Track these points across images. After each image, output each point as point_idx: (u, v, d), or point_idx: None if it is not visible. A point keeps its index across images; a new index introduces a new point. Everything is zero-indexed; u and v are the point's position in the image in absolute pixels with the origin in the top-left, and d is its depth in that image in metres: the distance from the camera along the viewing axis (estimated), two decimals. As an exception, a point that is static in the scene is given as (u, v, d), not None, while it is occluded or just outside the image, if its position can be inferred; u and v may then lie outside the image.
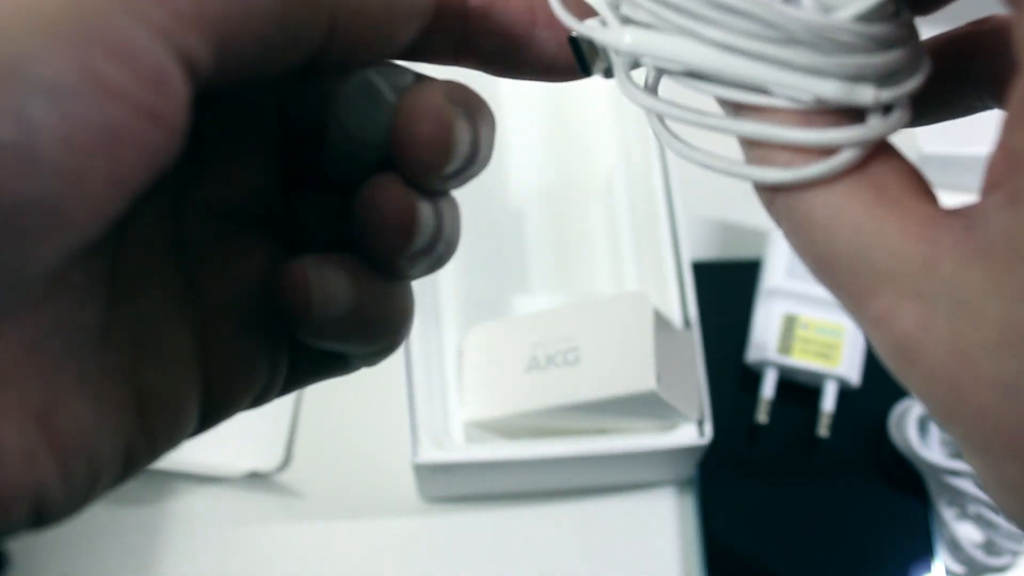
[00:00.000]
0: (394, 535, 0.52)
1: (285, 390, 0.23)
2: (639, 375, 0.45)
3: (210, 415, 0.22)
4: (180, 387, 0.21)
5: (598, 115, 0.62)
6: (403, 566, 0.52)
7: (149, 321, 0.21)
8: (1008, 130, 0.17)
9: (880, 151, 0.18)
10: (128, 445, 0.20)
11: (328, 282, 0.21)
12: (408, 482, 0.50)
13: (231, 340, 0.22)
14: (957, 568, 0.51)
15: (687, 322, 0.50)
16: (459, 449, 0.49)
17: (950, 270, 0.17)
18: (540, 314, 0.51)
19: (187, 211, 0.22)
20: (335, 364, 0.24)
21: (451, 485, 0.51)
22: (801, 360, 0.52)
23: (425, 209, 0.21)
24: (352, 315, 0.22)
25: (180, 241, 0.22)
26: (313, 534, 0.52)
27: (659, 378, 0.45)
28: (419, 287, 0.50)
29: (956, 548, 0.51)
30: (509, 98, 0.61)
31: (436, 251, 0.22)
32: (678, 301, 0.50)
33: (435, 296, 0.53)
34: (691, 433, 0.48)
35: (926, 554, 0.51)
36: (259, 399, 0.23)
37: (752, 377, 0.53)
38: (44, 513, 0.18)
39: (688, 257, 0.50)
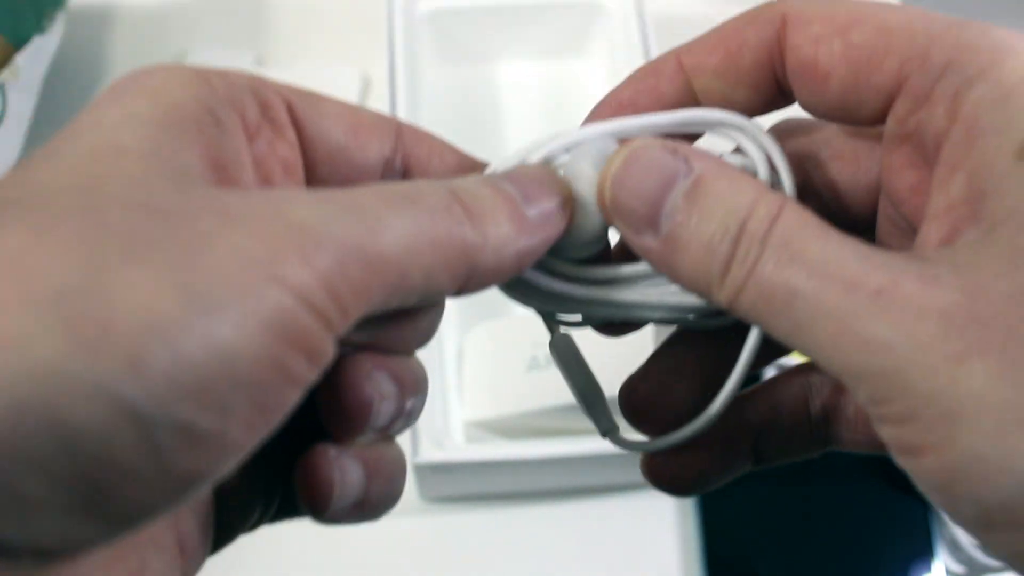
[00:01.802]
0: (394, 535, 0.52)
1: (275, 519, 0.26)
2: (639, 375, 0.45)
3: (217, 545, 0.25)
4: (205, 531, 0.23)
5: (598, 115, 0.62)
6: (403, 566, 0.52)
7: None
8: (941, 187, 0.21)
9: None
10: None
11: (346, 475, 0.23)
12: (408, 482, 0.50)
13: (237, 488, 0.24)
14: (957, 568, 0.51)
15: (687, 322, 0.50)
16: (459, 449, 0.49)
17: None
18: (540, 314, 0.51)
19: None
20: None
21: (451, 485, 0.51)
22: (801, 360, 0.52)
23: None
24: (360, 502, 0.24)
25: None
26: (313, 534, 0.52)
27: (659, 378, 0.45)
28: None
29: (956, 548, 0.51)
30: (509, 97, 0.61)
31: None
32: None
33: (435, 296, 0.53)
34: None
35: (926, 554, 0.51)
36: (253, 527, 0.25)
37: (752, 377, 0.53)
38: None
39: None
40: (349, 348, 0.23)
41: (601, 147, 0.24)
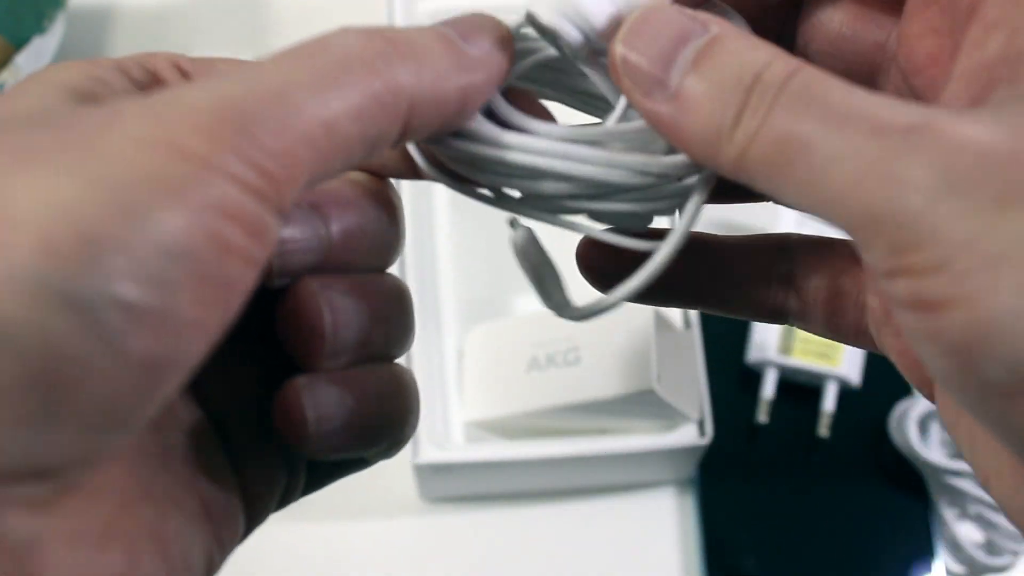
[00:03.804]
0: (394, 535, 0.52)
1: (307, 490, 0.25)
2: (639, 375, 0.45)
3: (251, 518, 0.23)
4: (229, 496, 0.23)
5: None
6: (403, 566, 0.52)
7: (188, 440, 0.22)
8: (976, 45, 0.20)
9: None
10: (208, 554, 0.22)
11: (320, 399, 0.22)
12: (408, 482, 0.50)
13: (251, 450, 0.23)
14: (957, 568, 0.51)
15: (687, 322, 0.50)
16: (459, 449, 0.49)
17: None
18: (540, 314, 0.51)
19: None
20: (351, 464, 0.25)
21: (451, 485, 0.51)
22: (801, 360, 0.52)
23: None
24: (348, 427, 0.23)
25: None
26: (313, 534, 0.52)
27: (659, 378, 0.45)
28: (420, 288, 0.51)
29: (956, 548, 0.51)
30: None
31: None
32: (678, 301, 0.50)
33: (435, 297, 0.53)
34: (691, 433, 0.48)
35: (926, 554, 0.51)
36: (283, 501, 0.24)
37: (752, 377, 0.53)
38: None
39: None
40: (304, 272, 0.22)
41: None
